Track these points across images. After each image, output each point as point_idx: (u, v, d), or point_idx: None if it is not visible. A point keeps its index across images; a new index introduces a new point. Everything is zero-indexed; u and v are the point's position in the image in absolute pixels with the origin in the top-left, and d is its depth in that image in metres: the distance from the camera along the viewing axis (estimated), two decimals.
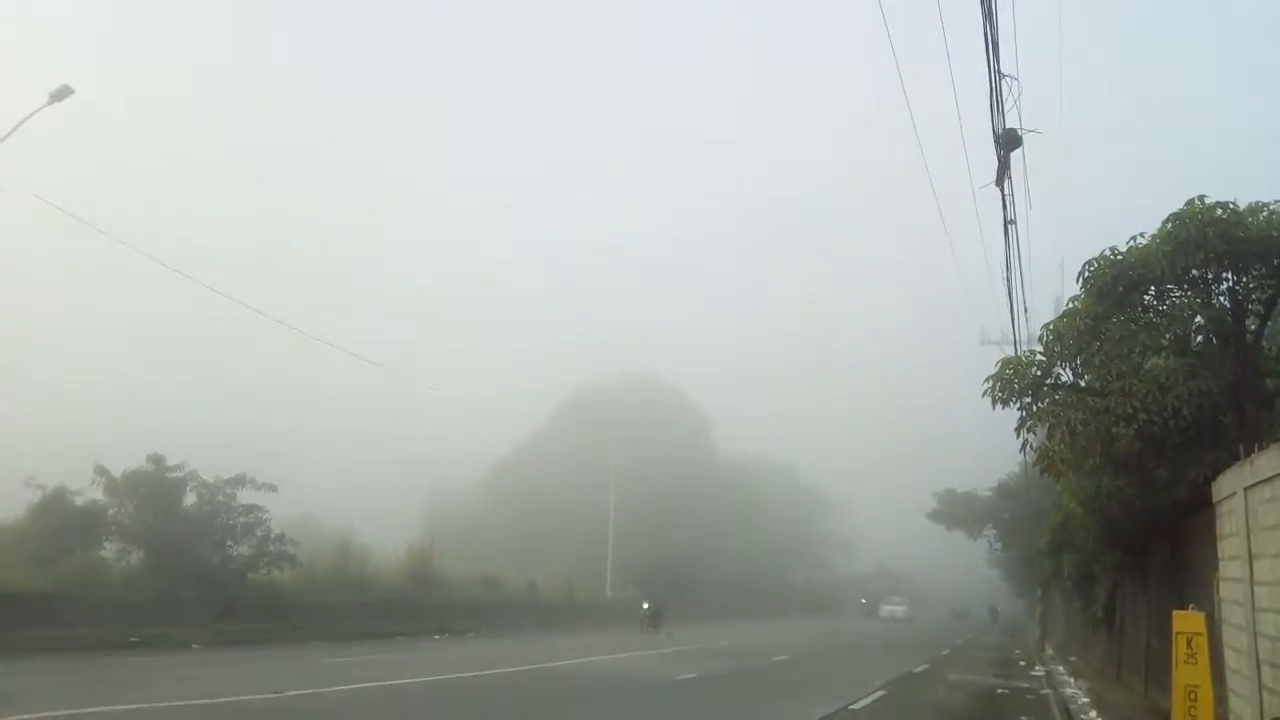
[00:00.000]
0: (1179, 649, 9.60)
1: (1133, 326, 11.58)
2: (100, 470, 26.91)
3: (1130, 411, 11.05)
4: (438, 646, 25.60)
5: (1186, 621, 9.73)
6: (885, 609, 69.15)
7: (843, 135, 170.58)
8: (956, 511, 48.58)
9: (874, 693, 17.32)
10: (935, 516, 50.24)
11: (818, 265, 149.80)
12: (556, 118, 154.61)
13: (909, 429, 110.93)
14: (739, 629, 40.68)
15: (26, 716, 10.42)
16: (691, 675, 19.26)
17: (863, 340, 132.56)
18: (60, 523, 26.09)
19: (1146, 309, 12.00)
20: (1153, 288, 11.88)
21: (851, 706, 15.23)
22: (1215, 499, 9.75)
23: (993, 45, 8.86)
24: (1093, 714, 15.20)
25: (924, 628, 55.12)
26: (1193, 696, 9.43)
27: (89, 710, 11.09)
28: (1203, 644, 9.50)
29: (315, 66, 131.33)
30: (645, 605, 37.55)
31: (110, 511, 27.23)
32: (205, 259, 51.19)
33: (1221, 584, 9.53)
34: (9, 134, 21.24)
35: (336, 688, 14.78)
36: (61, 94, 21.33)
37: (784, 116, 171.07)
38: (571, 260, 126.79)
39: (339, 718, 12.09)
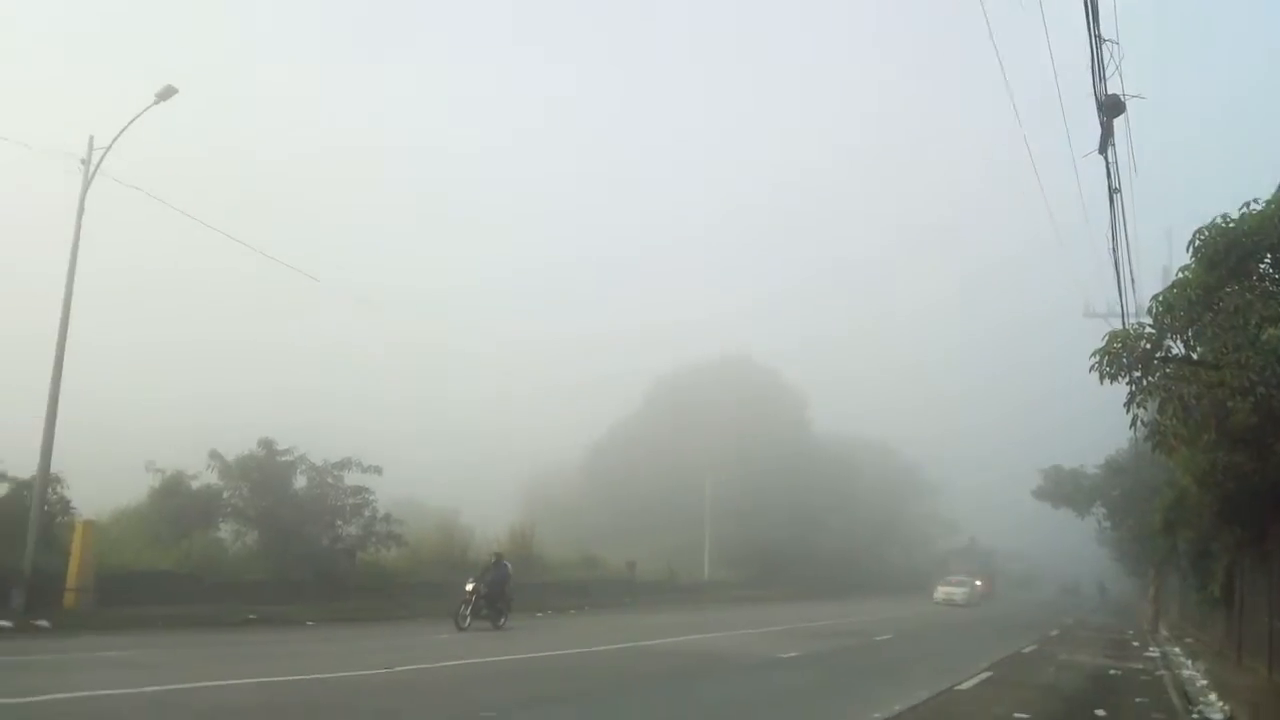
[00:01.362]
0: None
1: (1248, 296, 11.10)
2: (214, 455, 28.05)
3: (1247, 384, 10.61)
4: (541, 624, 26.06)
5: None
6: (942, 591, 55.92)
7: (939, 93, 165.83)
8: (1062, 489, 47.26)
9: (981, 673, 17.06)
10: (1040, 494, 48.96)
11: (911, 239, 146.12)
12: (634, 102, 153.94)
13: (1014, 405, 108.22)
14: (837, 608, 40.39)
15: (157, 688, 11.01)
16: (794, 654, 19.26)
17: (965, 318, 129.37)
18: (179, 505, 27.37)
19: (1262, 278, 11.51)
20: (1268, 256, 11.39)
21: (958, 687, 15.03)
22: None
23: (1092, 10, 8.59)
24: (1212, 696, 14.72)
25: (1011, 610, 52.51)
26: None
27: (215, 683, 11.65)
28: None
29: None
30: (470, 584, 23.55)
31: (225, 494, 28.38)
32: (311, 254, 52.92)
33: None
34: (119, 134, 22.20)
35: (444, 663, 15.20)
36: (167, 94, 22.15)
37: (871, 69, 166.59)
38: (665, 239, 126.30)
39: (448, 691, 12.40)
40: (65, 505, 23.23)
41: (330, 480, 29.44)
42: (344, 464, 29.48)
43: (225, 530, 28.43)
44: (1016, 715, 12.23)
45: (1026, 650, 23.84)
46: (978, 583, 63.18)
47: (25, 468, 22.04)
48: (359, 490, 29.61)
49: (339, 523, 29.42)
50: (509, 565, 25.09)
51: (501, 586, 24.09)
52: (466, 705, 11.23)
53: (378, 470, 29.78)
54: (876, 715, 11.55)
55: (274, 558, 27.22)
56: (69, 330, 21.54)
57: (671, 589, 44.18)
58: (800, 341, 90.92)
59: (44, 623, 18.25)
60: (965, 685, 15.34)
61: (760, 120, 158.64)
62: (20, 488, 22.32)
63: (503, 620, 23.82)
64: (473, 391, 70.51)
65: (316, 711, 10.11)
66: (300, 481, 29.26)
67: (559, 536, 46.01)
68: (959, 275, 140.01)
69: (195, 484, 27.75)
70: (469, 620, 22.75)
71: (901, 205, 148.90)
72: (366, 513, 29.64)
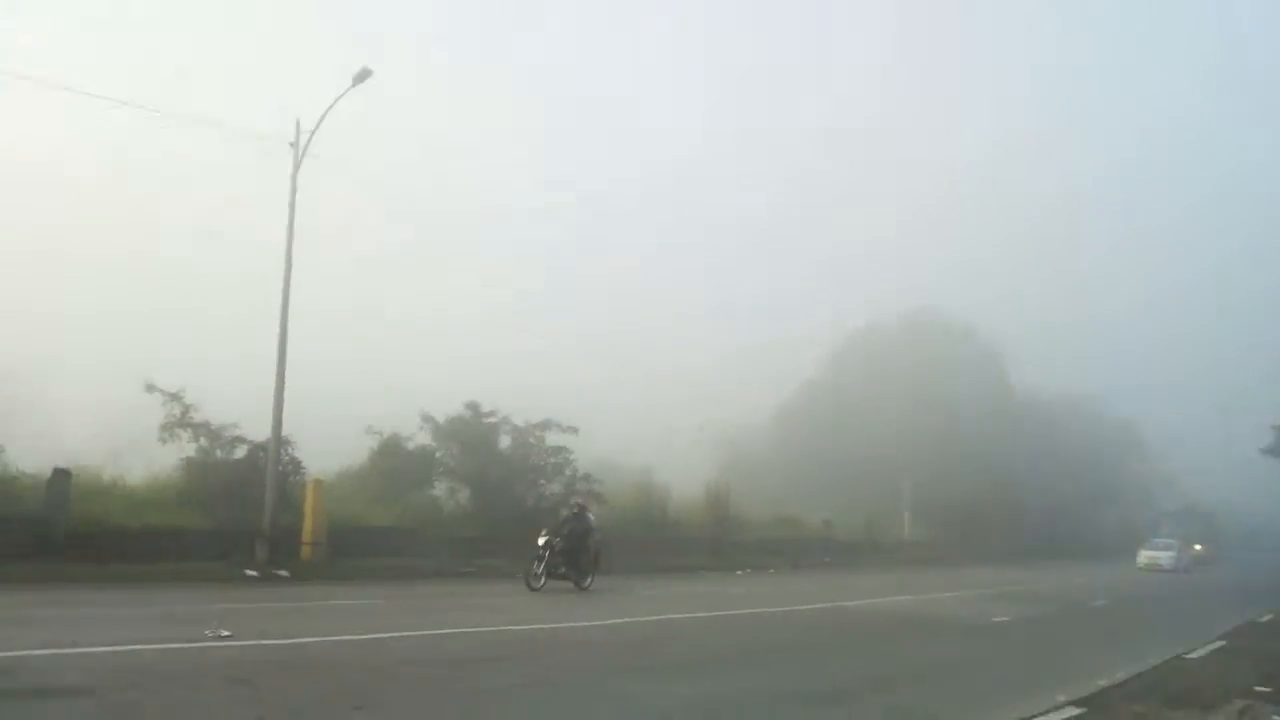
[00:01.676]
0: None
1: None
2: (426, 417, 29.65)
3: None
4: (742, 581, 26.26)
5: None
6: (1145, 555, 50.80)
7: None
8: None
9: (1212, 643, 15.98)
10: (1273, 450, 45.33)
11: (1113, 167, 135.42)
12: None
13: (1234, 356, 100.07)
14: (1046, 573, 38.73)
15: (387, 634, 11.78)
16: (1005, 618, 18.64)
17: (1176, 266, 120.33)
18: (397, 465, 29.11)
19: None
20: None
21: (1187, 655, 14.14)
22: None
23: None
24: None
25: (1241, 576, 48.37)
26: None
27: (439, 631, 12.40)
28: None
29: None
30: (542, 538, 20.26)
31: (437, 455, 29.99)
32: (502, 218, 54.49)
33: None
34: (323, 117, 23.49)
35: (652, 617, 15.53)
36: (362, 76, 23.23)
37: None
38: (848, 193, 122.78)
39: (656, 644, 12.64)
40: (296, 465, 25.10)
41: (532, 440, 30.62)
42: (544, 425, 30.57)
43: (439, 489, 30.07)
44: (1257, 689, 11.40)
45: (1263, 619, 22.16)
46: (1197, 546, 59.03)
47: (260, 432, 24.05)
48: (559, 450, 30.66)
49: (542, 481, 30.56)
50: (592, 517, 22.05)
51: (583, 541, 20.80)
52: (676, 658, 11.44)
53: (574, 430, 30.76)
54: (1101, 681, 11.03)
55: (484, 515, 28.59)
56: (290, 303, 23.18)
57: (869, 549, 43.58)
58: (1001, 297, 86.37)
59: (284, 573, 19.89)
60: (1194, 654, 14.40)
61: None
62: (256, 449, 24.31)
63: (588, 581, 20.66)
64: (660, 354, 71.18)
65: (529, 660, 10.55)
66: (504, 442, 30.58)
67: (752, 495, 46.00)
68: (1167, 221, 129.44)
69: (410, 445, 29.42)
70: (543, 580, 19.66)
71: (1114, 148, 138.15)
72: (567, 471, 30.67)
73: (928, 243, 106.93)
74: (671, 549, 31.25)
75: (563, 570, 20.12)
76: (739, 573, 29.07)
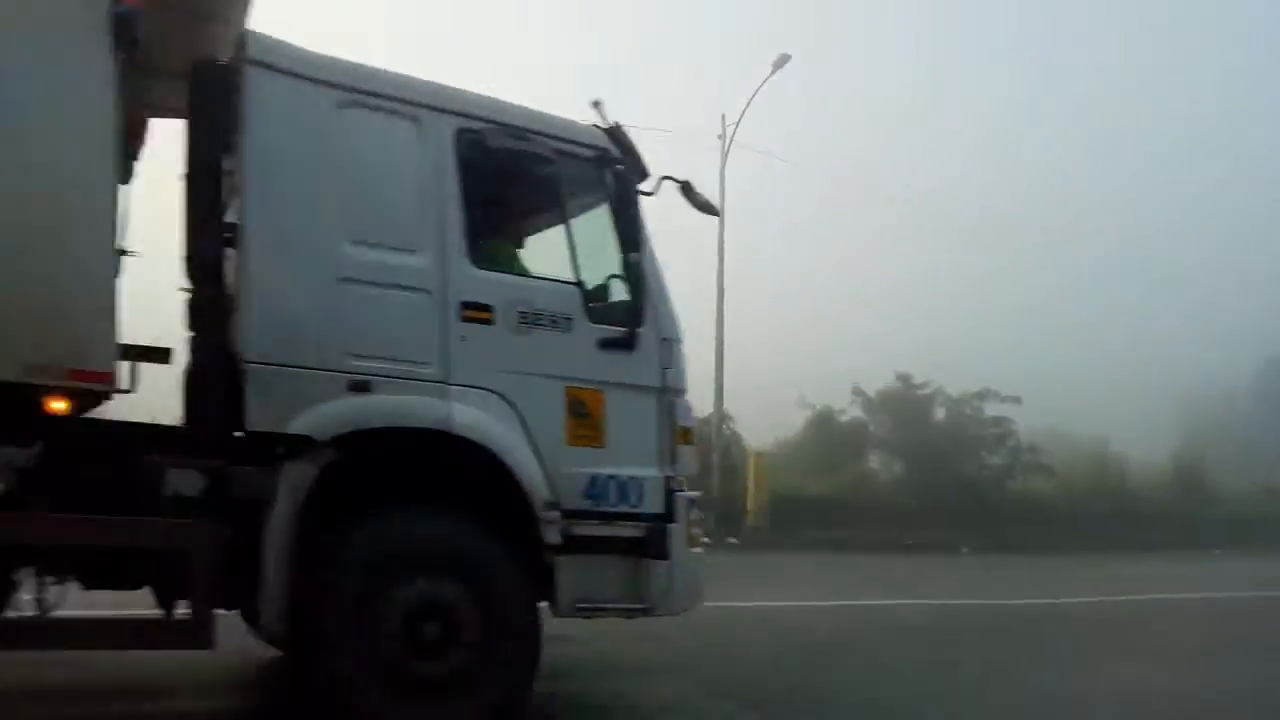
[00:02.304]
0: None
1: None
2: (857, 390, 29.83)
3: None
4: (1226, 561, 23.17)
5: None
6: None
7: None
8: None
9: None
10: None
11: None
12: None
13: None
14: None
15: (839, 602, 11.96)
16: None
17: None
18: (829, 437, 29.54)
19: None
20: None
21: None
22: None
23: None
24: None
25: None
26: None
27: (894, 601, 12.36)
28: None
29: None
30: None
31: (870, 427, 30.01)
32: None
33: None
34: (746, 106, 24.29)
35: (1128, 597, 14.24)
36: (781, 62, 23.69)
37: None
38: None
39: (1153, 623, 11.50)
40: (737, 439, 26.37)
41: (969, 411, 29.63)
42: (982, 395, 29.50)
43: (873, 460, 30.08)
44: None
45: None
46: None
47: (703, 408, 25.56)
48: (1000, 420, 29.43)
49: (983, 453, 29.46)
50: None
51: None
52: (1195, 641, 10.21)
53: (1016, 400, 29.43)
54: None
55: (921, 486, 28.10)
56: (725, 287, 24.37)
57: None
58: None
59: (733, 540, 20.98)
60: None
61: None
62: (700, 424, 25.86)
63: None
64: (1110, 316, 65.09)
65: (995, 631, 10.15)
66: (939, 413, 29.88)
67: (1227, 462, 40.59)
68: None
69: (843, 418, 29.73)
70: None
71: None
72: (1009, 443, 29.30)
73: None
74: (1126, 524, 28.45)
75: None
76: (1216, 552, 25.85)
